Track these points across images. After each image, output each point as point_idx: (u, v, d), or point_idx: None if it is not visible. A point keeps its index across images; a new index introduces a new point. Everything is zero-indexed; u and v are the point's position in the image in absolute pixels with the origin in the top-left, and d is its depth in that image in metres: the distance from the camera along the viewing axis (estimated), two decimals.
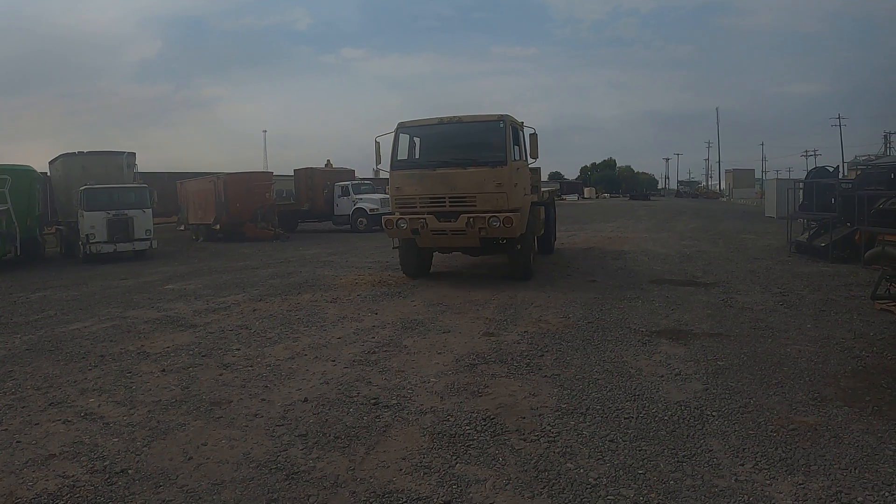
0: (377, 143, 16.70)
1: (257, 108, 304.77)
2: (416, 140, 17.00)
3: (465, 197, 15.62)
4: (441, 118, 16.57)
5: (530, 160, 17.37)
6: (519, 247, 16.35)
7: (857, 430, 6.32)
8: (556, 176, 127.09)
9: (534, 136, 16.70)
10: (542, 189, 21.64)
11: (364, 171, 70.09)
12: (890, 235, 15.91)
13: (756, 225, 38.00)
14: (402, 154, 16.70)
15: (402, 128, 16.74)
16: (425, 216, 15.84)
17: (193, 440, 6.51)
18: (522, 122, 17.19)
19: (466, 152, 15.93)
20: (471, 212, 15.50)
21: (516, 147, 16.43)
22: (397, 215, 16.32)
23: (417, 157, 16.89)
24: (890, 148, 74.93)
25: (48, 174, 30.62)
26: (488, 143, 15.90)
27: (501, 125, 15.90)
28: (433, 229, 15.87)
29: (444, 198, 15.77)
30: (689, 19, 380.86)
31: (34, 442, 6.59)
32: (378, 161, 16.93)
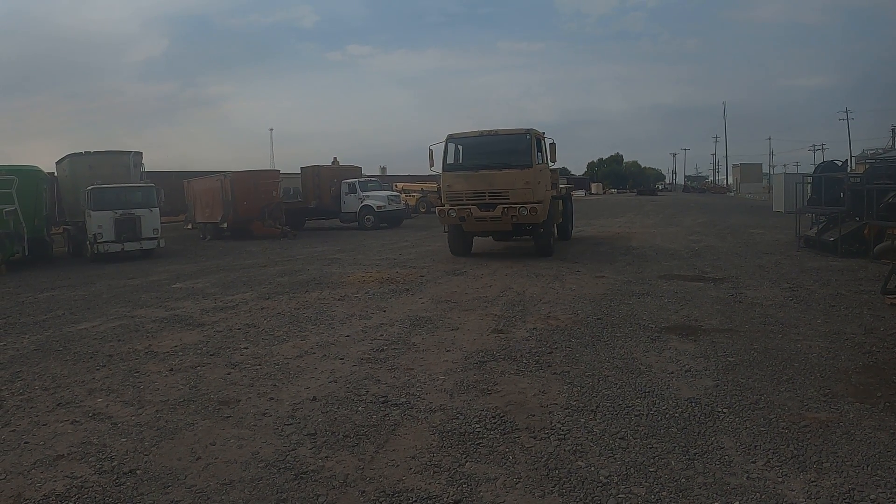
0: (430, 151, 21.03)
1: (264, 105, 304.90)
2: (460, 148, 21.06)
3: (500, 192, 19.91)
4: (481, 131, 21.06)
5: (550, 163, 21.86)
6: (541, 230, 20.86)
7: (869, 427, 6.28)
8: (562, 172, 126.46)
9: (552, 145, 21.46)
10: (561, 186, 26.45)
11: (371, 168, 70.29)
12: None
13: (764, 220, 37.94)
14: (450, 159, 20.96)
15: (450, 139, 21.03)
16: (470, 207, 20.25)
17: (202, 440, 6.50)
18: (544, 133, 21.36)
19: (501, 158, 20.29)
20: (505, 203, 19.81)
21: (539, 153, 20.75)
22: (448, 206, 20.67)
23: (461, 161, 20.96)
24: None
25: (55, 174, 30.60)
26: (517, 150, 20.22)
27: (528, 137, 20.33)
28: (476, 217, 20.26)
29: (485, 193, 20.12)
30: (696, 13, 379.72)
31: (42, 442, 6.59)
32: (431, 165, 21.21)
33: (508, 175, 19.88)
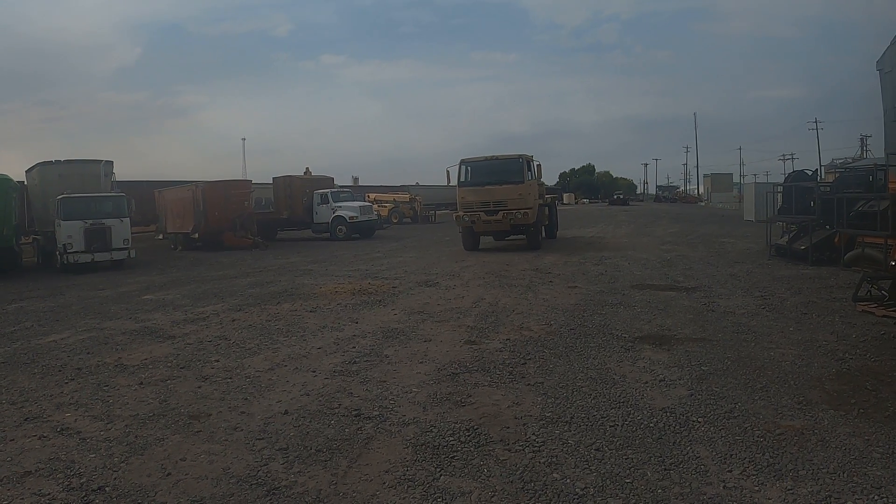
0: (447, 171, 28.31)
1: (237, 115, 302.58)
2: (470, 169, 27.40)
3: (501, 201, 26.38)
4: (486, 156, 27.78)
5: (538, 179, 28.96)
6: (532, 230, 27.43)
7: (844, 434, 6.31)
8: None
9: (539, 166, 28.89)
10: (547, 196, 32.88)
11: (343, 179, 70.24)
12: (869, 237, 16.00)
13: (735, 229, 38.30)
14: (463, 177, 27.42)
15: (463, 162, 27.51)
16: (479, 213, 26.77)
17: (172, 455, 6.39)
18: (532, 156, 27.98)
19: (501, 176, 26.78)
20: (505, 210, 26.28)
21: (529, 172, 27.24)
22: (462, 213, 27.24)
23: (471, 179, 27.24)
24: (867, 150, 75.63)
25: (25, 183, 30.26)
26: (513, 170, 26.87)
27: (521, 160, 27.05)
28: (483, 220, 26.79)
29: (490, 202, 26.55)
30: (669, 25, 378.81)
31: (9, 459, 6.45)
32: (448, 181, 28.59)
33: (507, 189, 26.29)
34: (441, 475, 5.73)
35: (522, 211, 26.22)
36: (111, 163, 28.69)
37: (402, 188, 71.28)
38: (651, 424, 6.76)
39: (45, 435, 7.13)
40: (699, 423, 6.76)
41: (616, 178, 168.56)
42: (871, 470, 5.51)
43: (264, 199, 43.50)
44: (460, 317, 12.80)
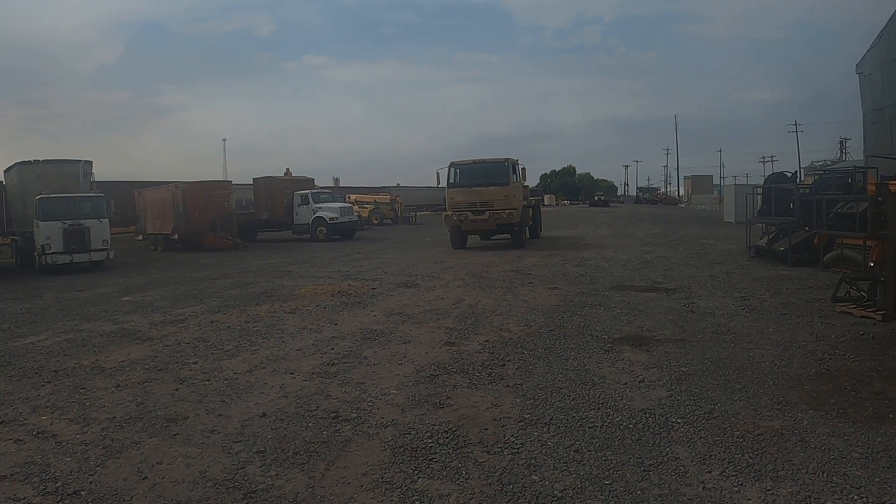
0: (437, 173, 29.19)
1: (219, 115, 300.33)
2: (459, 171, 28.77)
3: (488, 202, 27.81)
4: (474, 160, 29.07)
5: (522, 182, 30.16)
6: (516, 229, 28.83)
7: (824, 434, 6.33)
8: None
9: (523, 169, 30.06)
10: (531, 198, 34.81)
11: (324, 180, 70.03)
12: (848, 239, 16.10)
13: (715, 230, 38.46)
14: (452, 179, 28.78)
15: (452, 165, 28.81)
16: (466, 213, 28.19)
17: (148, 459, 6.33)
18: (517, 160, 29.47)
19: (488, 178, 28.21)
20: (491, 210, 27.70)
21: (514, 175, 28.82)
22: (451, 213, 28.72)
23: (459, 181, 28.60)
24: (846, 153, 76.15)
25: (3, 183, 29.98)
26: (499, 173, 28.33)
27: (506, 163, 28.57)
28: (471, 220, 28.16)
29: (477, 202, 27.96)
30: (653, 27, 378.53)
31: None
32: (438, 183, 29.58)
33: (493, 190, 27.74)
34: (419, 478, 5.70)
35: (507, 211, 27.70)
36: (90, 163, 28.47)
37: (384, 189, 71.27)
38: (630, 425, 6.76)
39: (20, 438, 7.05)
40: (678, 423, 6.76)
41: (597, 179, 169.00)
42: (851, 470, 5.53)
43: (245, 199, 43.29)
44: (440, 318, 12.77)
